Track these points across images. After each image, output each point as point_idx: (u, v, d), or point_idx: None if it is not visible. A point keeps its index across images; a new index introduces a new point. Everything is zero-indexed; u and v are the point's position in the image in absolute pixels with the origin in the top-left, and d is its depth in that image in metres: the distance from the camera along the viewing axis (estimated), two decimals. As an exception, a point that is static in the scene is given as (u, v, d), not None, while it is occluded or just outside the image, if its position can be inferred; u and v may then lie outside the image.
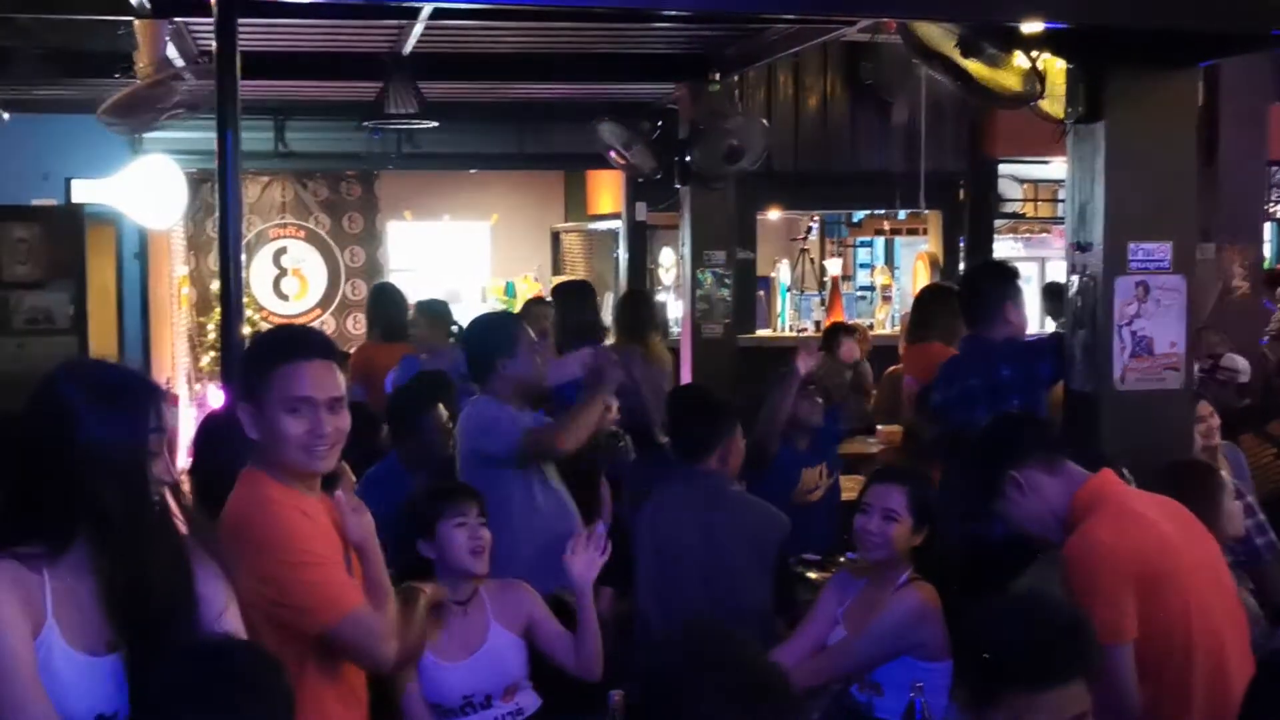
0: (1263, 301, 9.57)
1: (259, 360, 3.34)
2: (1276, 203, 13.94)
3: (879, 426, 8.95)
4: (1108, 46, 5.05)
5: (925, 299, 8.27)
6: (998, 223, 12.78)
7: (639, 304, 8.62)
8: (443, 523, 4.27)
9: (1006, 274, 5.97)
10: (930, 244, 12.83)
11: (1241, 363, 7.08)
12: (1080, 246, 5.34)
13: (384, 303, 8.74)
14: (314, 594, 3.19)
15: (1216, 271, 8.25)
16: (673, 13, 6.63)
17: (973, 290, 5.98)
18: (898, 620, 4.29)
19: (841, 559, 4.80)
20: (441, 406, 6.05)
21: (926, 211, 12.33)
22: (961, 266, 12.36)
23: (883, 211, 13.28)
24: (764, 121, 8.83)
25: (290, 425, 3.21)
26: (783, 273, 13.14)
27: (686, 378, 9.34)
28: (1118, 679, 3.60)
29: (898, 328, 11.47)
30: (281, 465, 3.24)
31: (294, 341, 3.36)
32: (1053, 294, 8.95)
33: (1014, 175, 12.73)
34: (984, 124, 11.80)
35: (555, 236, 14.71)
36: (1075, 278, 5.37)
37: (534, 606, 4.43)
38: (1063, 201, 6.46)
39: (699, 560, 5.17)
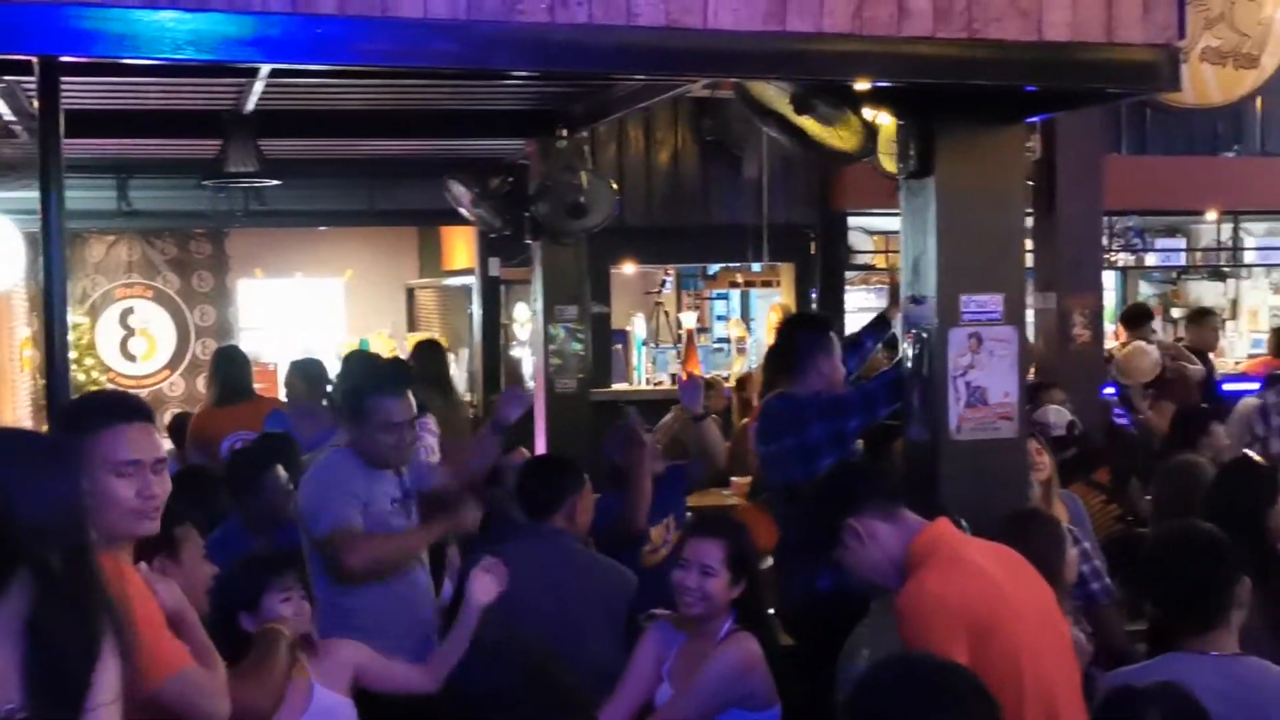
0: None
1: (79, 426, 3.27)
2: (1117, 252, 14.31)
3: (733, 478, 9.00)
4: (936, 103, 5.14)
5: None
6: (849, 274, 12.95)
7: (437, 353, 8.64)
8: (268, 596, 4.18)
9: (818, 326, 6.04)
10: (783, 296, 12.96)
11: (1053, 416, 7.20)
12: (915, 299, 5.42)
13: (223, 365, 8.58)
14: (141, 656, 3.12)
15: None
16: (501, 70, 6.63)
17: (784, 343, 6.02)
18: (724, 673, 4.29)
19: (655, 611, 4.79)
20: (281, 468, 5.95)
21: (780, 264, 12.47)
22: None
23: (737, 264, 13.40)
24: (612, 183, 8.86)
25: (120, 489, 3.17)
26: (638, 326, 13.19)
27: (540, 433, 9.31)
28: None
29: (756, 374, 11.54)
30: (107, 531, 3.16)
31: (114, 405, 3.34)
32: (890, 346, 9.07)
33: (863, 227, 12.92)
34: (832, 177, 11.97)
35: (410, 292, 14.64)
36: (911, 331, 5.45)
37: (358, 658, 4.38)
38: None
39: (543, 616, 5.12)
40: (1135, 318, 10.98)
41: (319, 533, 4.96)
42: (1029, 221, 9.88)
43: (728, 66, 4.53)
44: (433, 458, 6.29)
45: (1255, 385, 9.86)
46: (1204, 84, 7.99)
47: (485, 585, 4.41)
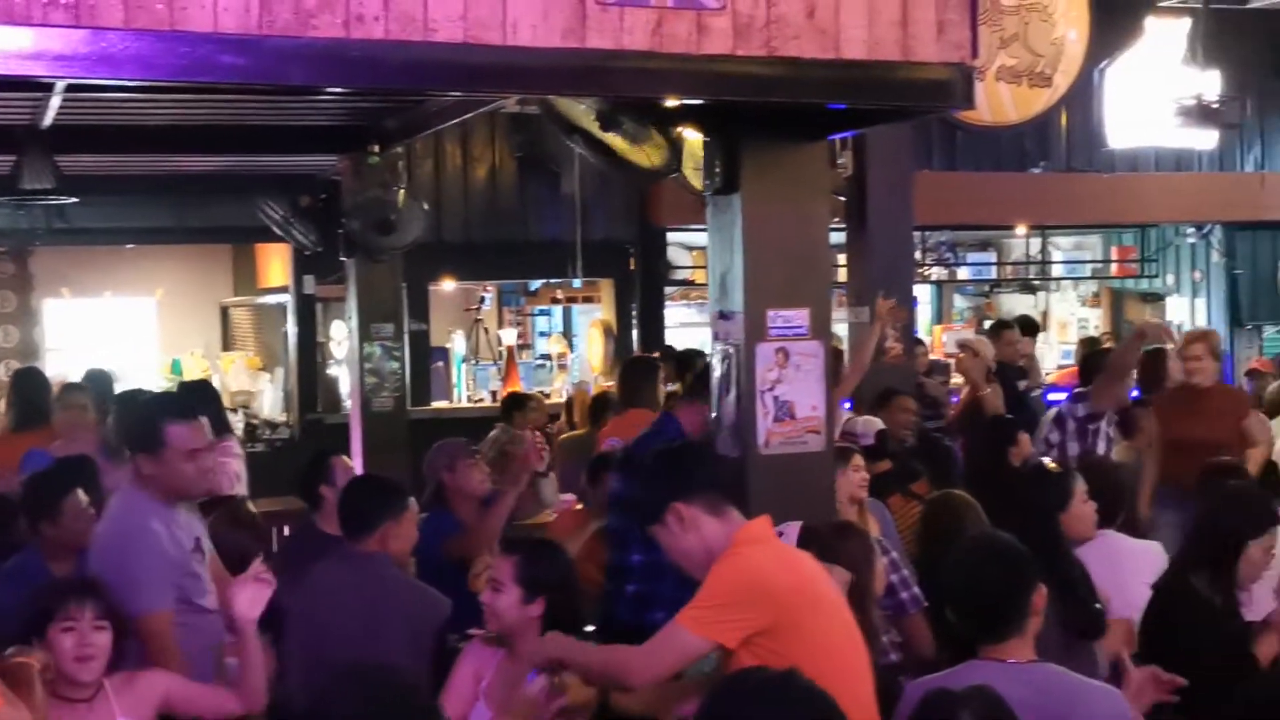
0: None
1: None
2: (930, 266, 14.62)
3: (561, 495, 8.98)
4: (741, 120, 5.18)
5: (629, 371, 8.49)
6: (669, 289, 13.03)
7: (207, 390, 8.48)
8: (51, 626, 4.05)
9: (648, 367, 6.08)
10: (604, 311, 12.99)
11: (861, 426, 7.30)
12: (723, 315, 5.45)
13: (21, 388, 8.30)
14: None
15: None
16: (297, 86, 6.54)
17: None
18: (538, 695, 4.26)
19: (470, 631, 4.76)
20: (81, 492, 5.75)
21: (600, 280, 12.50)
22: (635, 333, 12.55)
23: (558, 280, 13.39)
24: (423, 202, 8.80)
25: None
26: (458, 343, 13.11)
27: (357, 452, 9.19)
28: (662, 648, 3.81)
29: (573, 394, 11.54)
30: None
31: None
32: (678, 359, 9.13)
33: (682, 243, 13.01)
34: (651, 193, 12.02)
35: (224, 311, 14.36)
36: (719, 345, 5.48)
37: (166, 685, 4.27)
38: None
39: (350, 641, 5.04)
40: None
41: (132, 610, 4.56)
42: (842, 237, 10.04)
43: (528, 83, 4.51)
44: (238, 485, 6.14)
45: (1064, 396, 10.11)
46: (1000, 102, 8.18)
47: (249, 598, 4.28)
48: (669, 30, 4.33)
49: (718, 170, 5.31)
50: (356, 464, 8.95)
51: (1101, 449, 7.66)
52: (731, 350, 5.40)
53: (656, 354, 10.01)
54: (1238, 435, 7.75)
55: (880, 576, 5.15)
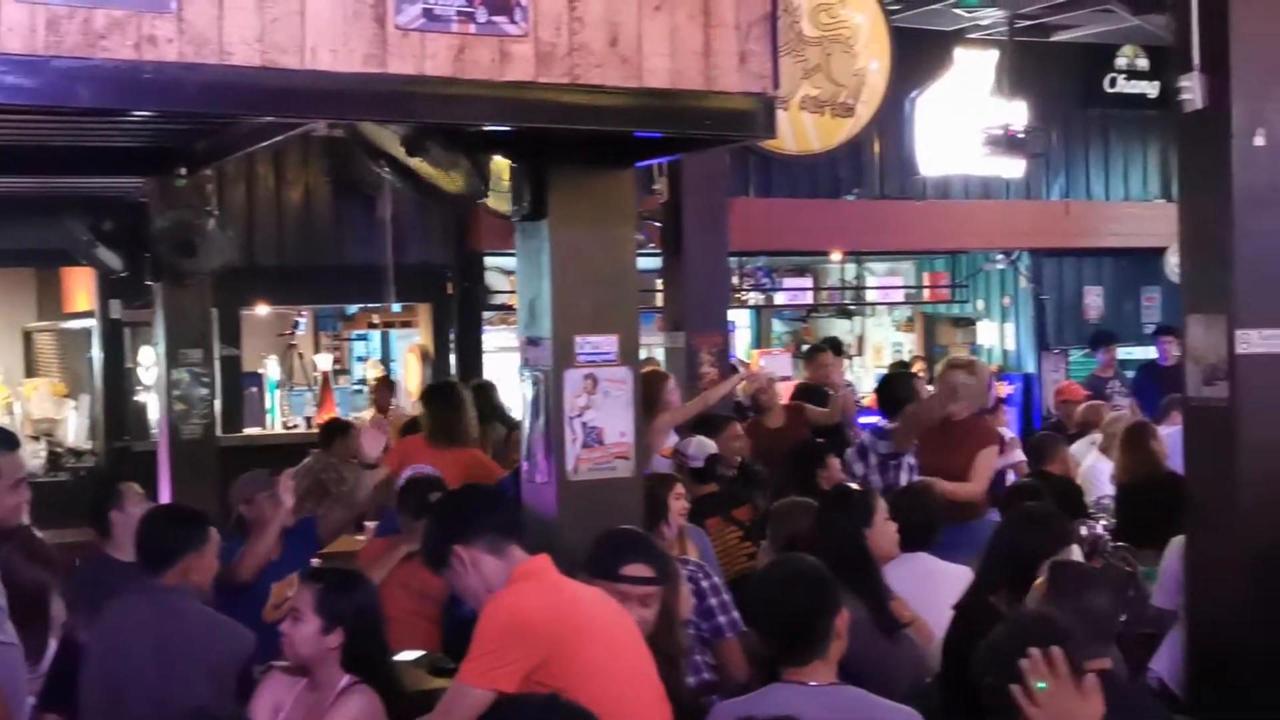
0: None
1: None
2: (748, 291, 14.78)
3: (367, 522, 8.86)
4: (548, 147, 5.18)
5: (434, 397, 8.36)
6: (487, 314, 12.98)
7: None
8: None
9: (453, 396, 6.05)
10: (422, 336, 12.89)
11: (694, 448, 7.36)
12: (531, 341, 5.44)
13: None
14: None
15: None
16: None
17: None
18: None
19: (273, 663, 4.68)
20: None
21: (417, 304, 12.40)
22: (453, 358, 12.48)
23: (375, 305, 13.26)
24: (227, 228, 8.65)
25: None
26: (272, 369, 12.89)
27: (165, 480, 8.98)
28: (453, 707, 3.86)
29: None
30: None
31: None
32: (479, 390, 9.10)
33: (501, 267, 12.96)
34: (469, 217, 11.97)
35: (27, 336, 13.95)
36: (527, 371, 5.48)
37: None
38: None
39: (148, 677, 4.92)
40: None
41: None
42: (658, 262, 10.12)
43: (328, 108, 4.47)
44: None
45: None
46: (805, 131, 8.33)
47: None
48: (471, 57, 4.33)
49: (526, 196, 5.31)
50: (164, 492, 8.76)
51: (904, 481, 7.78)
52: (540, 376, 5.40)
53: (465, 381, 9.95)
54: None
55: (687, 599, 5.18)
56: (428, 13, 4.24)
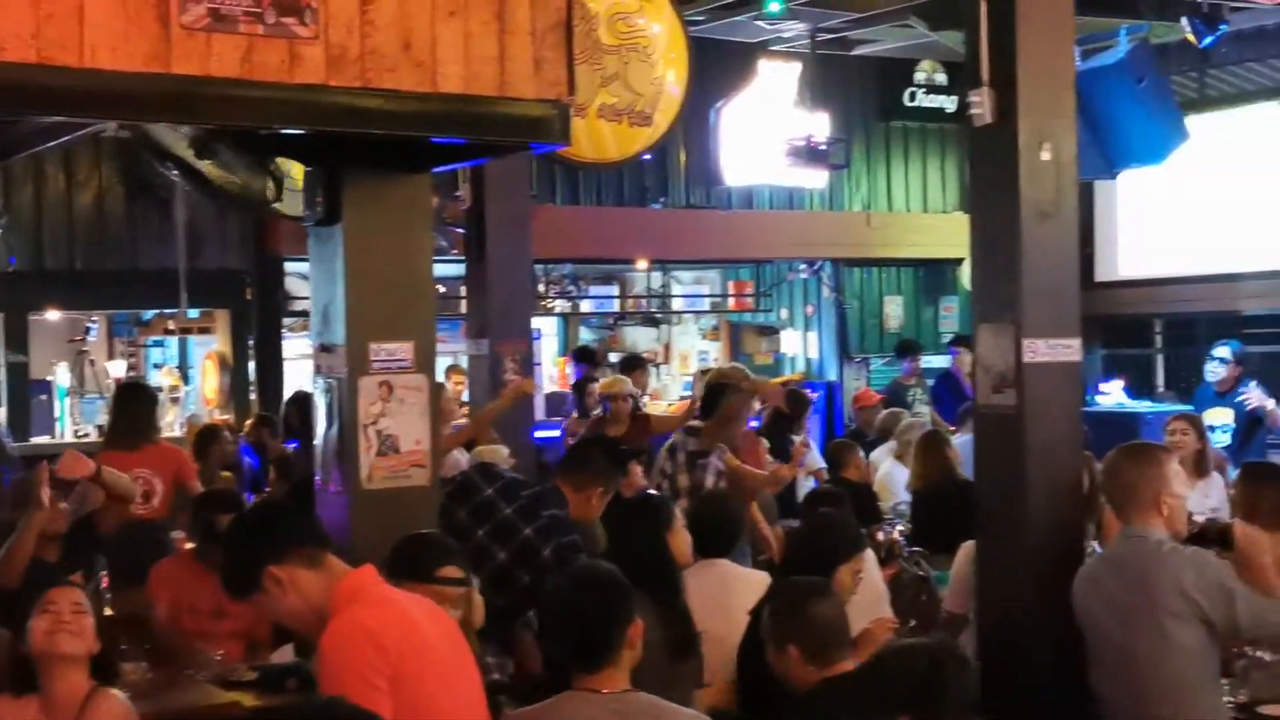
0: None
1: None
2: (554, 299, 14.78)
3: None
4: (341, 151, 5.10)
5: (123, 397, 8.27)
6: (288, 320, 12.76)
7: None
8: None
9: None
10: (220, 343, 12.62)
11: (488, 456, 7.34)
12: (325, 348, 5.35)
13: None
14: None
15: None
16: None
17: None
18: None
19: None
20: None
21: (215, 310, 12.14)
22: (252, 365, 12.24)
23: (171, 310, 12.94)
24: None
25: None
26: (62, 376, 12.50)
27: (-55, 492, 8.65)
28: None
29: (185, 430, 11.18)
30: None
31: None
32: (297, 403, 8.96)
33: (301, 273, 12.76)
34: (268, 221, 11.76)
35: None
36: (321, 379, 5.38)
37: None
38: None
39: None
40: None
41: None
42: (462, 269, 10.05)
43: (109, 108, 4.32)
44: None
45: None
46: (602, 140, 8.33)
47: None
48: (260, 59, 4.23)
49: (319, 200, 5.22)
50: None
51: (710, 482, 7.87)
52: (334, 383, 5.31)
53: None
54: None
55: (478, 609, 5.14)
56: (214, 12, 4.13)
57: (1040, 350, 5.94)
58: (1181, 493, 5.27)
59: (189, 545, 7.01)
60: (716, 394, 8.32)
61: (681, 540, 5.62)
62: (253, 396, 12.59)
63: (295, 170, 5.36)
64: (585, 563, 4.85)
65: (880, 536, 7.71)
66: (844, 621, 4.53)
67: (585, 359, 12.62)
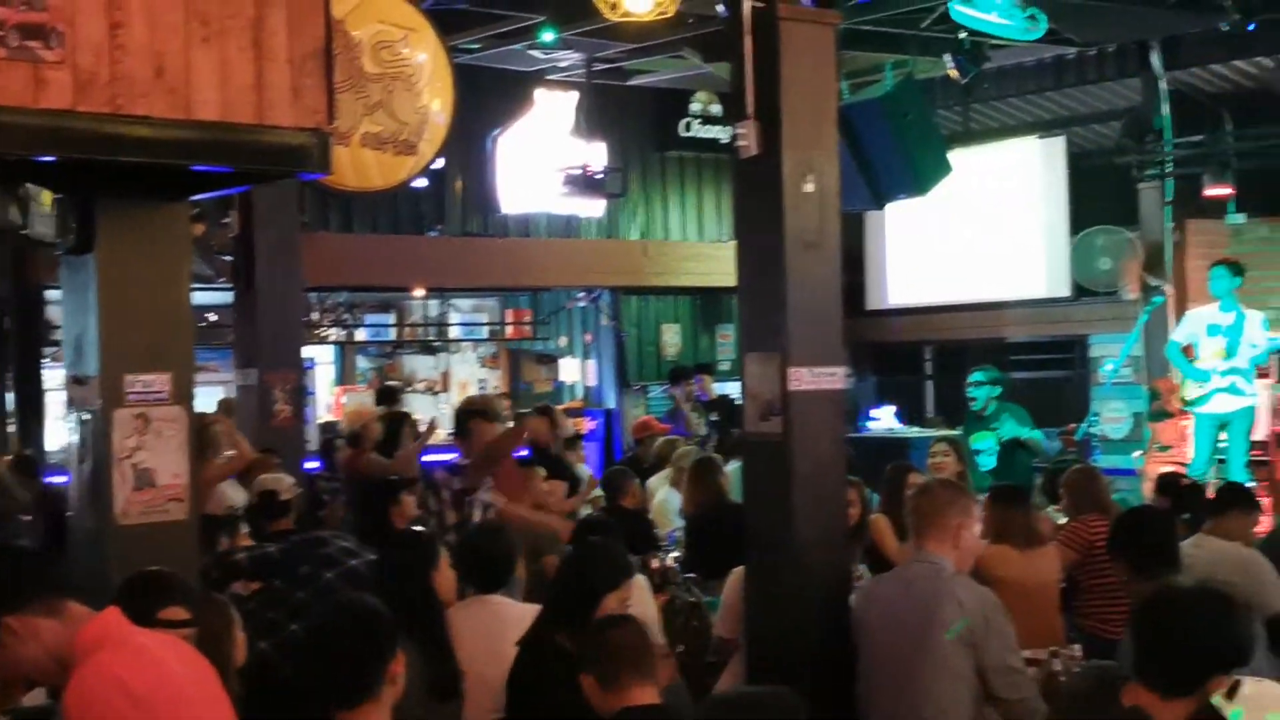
0: None
1: None
2: (329, 327, 14.58)
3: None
4: (94, 178, 4.95)
5: None
6: (49, 349, 12.35)
7: None
8: None
9: None
10: (-23, 374, 12.17)
11: (271, 484, 7.22)
12: (78, 380, 5.18)
13: None
14: None
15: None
16: None
17: None
18: None
19: None
20: None
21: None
22: (11, 396, 11.83)
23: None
24: None
25: None
26: None
27: None
28: None
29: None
30: None
31: None
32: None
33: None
34: (27, 250, 11.38)
35: None
36: (74, 412, 5.21)
37: None
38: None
39: None
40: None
41: None
42: (229, 298, 9.85)
43: None
44: None
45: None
46: (366, 168, 8.26)
47: None
48: (2, 82, 4.08)
49: (71, 228, 5.05)
50: None
51: (478, 517, 7.82)
52: (87, 417, 5.14)
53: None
54: None
55: (239, 647, 5.02)
56: (-47, 34, 3.98)
57: (805, 379, 6.04)
58: (977, 533, 5.50)
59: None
60: (464, 420, 8.33)
61: (446, 579, 5.54)
62: (11, 429, 12.15)
63: (45, 195, 5.18)
64: (347, 595, 4.76)
65: (655, 564, 7.73)
66: (642, 649, 4.50)
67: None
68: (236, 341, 9.35)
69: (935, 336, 16.30)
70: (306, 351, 12.82)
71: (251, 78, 4.51)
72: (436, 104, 8.36)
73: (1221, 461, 11.81)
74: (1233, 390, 11.70)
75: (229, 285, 9.83)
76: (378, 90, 7.83)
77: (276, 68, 4.55)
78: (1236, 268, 11.92)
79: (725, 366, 15.70)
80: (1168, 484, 8.04)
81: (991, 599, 5.34)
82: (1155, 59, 13.45)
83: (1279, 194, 13.75)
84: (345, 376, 16.47)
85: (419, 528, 6.80)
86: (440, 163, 13.21)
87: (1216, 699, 3.46)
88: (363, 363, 17.09)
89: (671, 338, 16.72)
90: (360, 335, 15.57)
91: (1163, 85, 13.52)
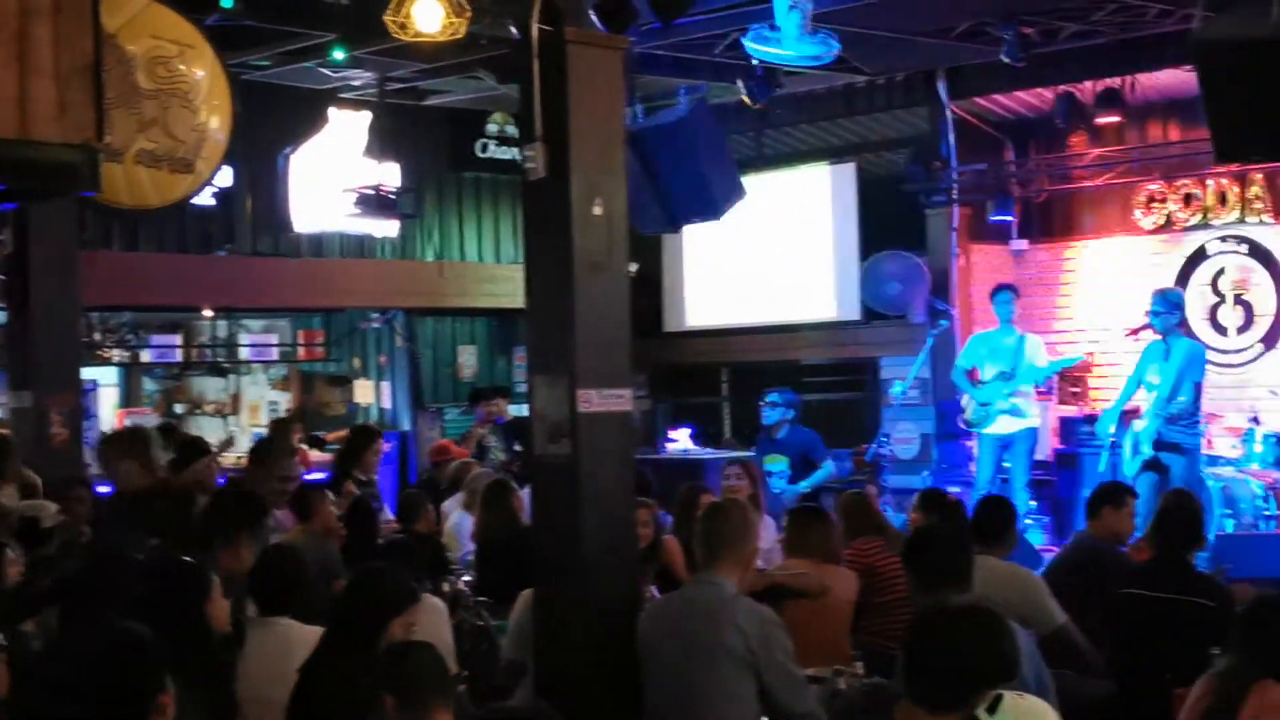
0: None
1: None
2: (112, 348, 14.16)
3: None
4: None
5: None
6: None
7: None
8: None
9: None
10: None
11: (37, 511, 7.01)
12: None
13: None
14: None
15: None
16: None
17: None
18: None
19: None
20: None
21: None
22: None
23: None
24: None
25: None
26: None
27: None
28: None
29: None
30: None
31: None
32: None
33: None
34: None
35: None
36: None
37: None
38: None
39: None
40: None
41: None
42: (3, 317, 9.52)
43: None
44: None
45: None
46: (140, 186, 8.04)
47: None
48: None
49: None
50: None
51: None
52: None
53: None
54: None
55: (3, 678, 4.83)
56: None
57: (594, 400, 6.05)
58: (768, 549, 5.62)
59: None
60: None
61: (219, 608, 5.40)
62: None
63: None
64: (112, 623, 4.61)
65: (446, 588, 7.66)
66: (444, 674, 4.44)
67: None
68: (10, 362, 9.05)
69: (732, 358, 16.47)
70: (88, 373, 12.47)
71: (14, 92, 4.37)
72: (215, 121, 8.18)
73: (1005, 481, 12.15)
74: (1014, 412, 12.05)
75: (2, 305, 9.51)
76: (153, 107, 7.63)
77: (41, 82, 4.41)
78: (1017, 292, 12.31)
79: (522, 389, 15.64)
80: (931, 501, 8.11)
81: (770, 616, 5.41)
82: (941, 88, 13.81)
83: (1059, 220, 14.26)
84: (130, 399, 16.02)
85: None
86: (230, 180, 13.08)
87: (980, 712, 3.53)
88: (149, 384, 16.65)
89: (468, 359, 16.63)
90: (146, 356, 15.13)
91: (949, 114, 13.90)
